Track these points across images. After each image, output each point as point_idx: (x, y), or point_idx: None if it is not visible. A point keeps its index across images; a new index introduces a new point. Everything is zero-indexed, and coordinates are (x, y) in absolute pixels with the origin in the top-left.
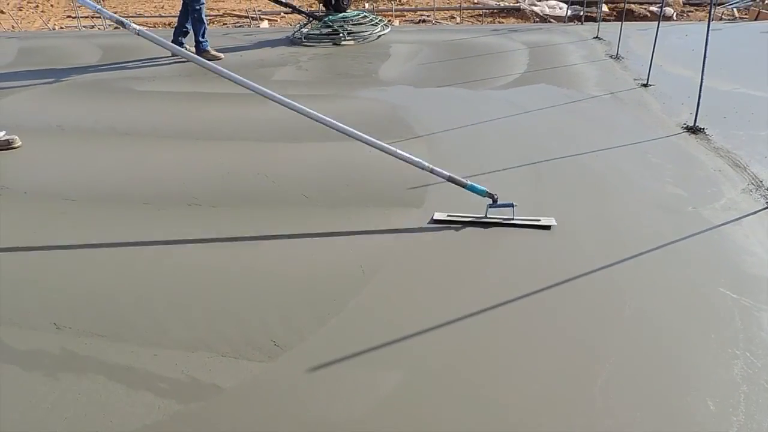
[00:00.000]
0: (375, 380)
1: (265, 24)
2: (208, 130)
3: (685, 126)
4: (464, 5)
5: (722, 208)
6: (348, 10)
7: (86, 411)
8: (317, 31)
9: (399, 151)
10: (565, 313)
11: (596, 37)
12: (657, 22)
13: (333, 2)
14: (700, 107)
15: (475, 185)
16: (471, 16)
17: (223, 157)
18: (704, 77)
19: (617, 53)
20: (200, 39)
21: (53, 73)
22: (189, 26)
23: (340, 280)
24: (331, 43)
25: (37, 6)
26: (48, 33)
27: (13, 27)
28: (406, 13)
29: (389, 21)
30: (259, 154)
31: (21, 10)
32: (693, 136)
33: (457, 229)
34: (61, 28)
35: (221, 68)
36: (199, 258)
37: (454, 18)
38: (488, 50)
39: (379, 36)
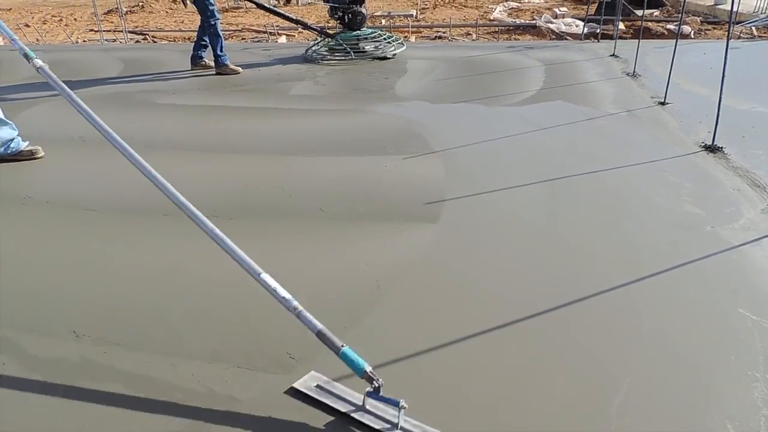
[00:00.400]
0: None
1: (282, 39)
2: (226, 143)
3: (703, 144)
4: (480, 22)
5: (741, 228)
6: (363, 28)
7: (104, 419)
8: (328, 49)
9: (264, 276)
10: (581, 331)
11: (613, 55)
12: (675, 40)
13: (346, 20)
14: (718, 126)
15: (351, 356)
16: (487, 33)
17: (240, 169)
18: (722, 96)
19: (634, 71)
20: (218, 53)
21: (76, 85)
22: (207, 40)
23: (355, 293)
24: (344, 60)
25: (61, 20)
26: (71, 46)
27: (37, 40)
28: (422, 30)
29: (405, 37)
30: (277, 167)
31: (45, 23)
32: (711, 154)
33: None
34: (84, 41)
35: (88, 112)
36: (216, 269)
37: (469, 35)
38: (504, 67)
39: (394, 54)
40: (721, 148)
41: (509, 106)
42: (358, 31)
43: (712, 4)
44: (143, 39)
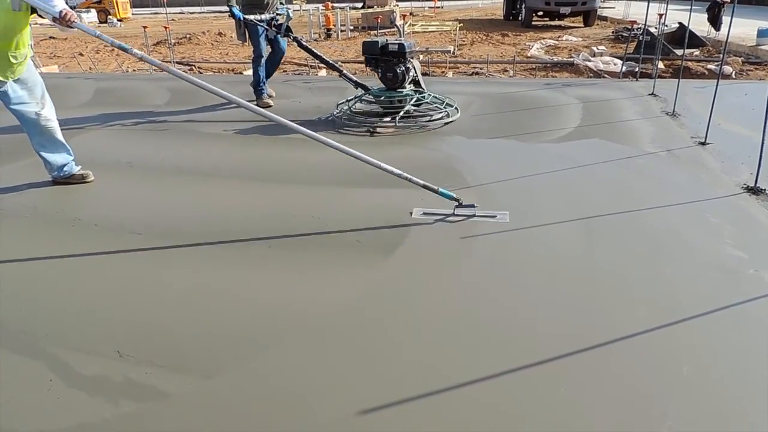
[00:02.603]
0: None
1: (322, 72)
2: (266, 172)
3: (745, 186)
4: (517, 59)
5: None
6: (402, 89)
7: None
8: (360, 110)
9: (383, 165)
10: (620, 371)
11: (652, 94)
12: (716, 80)
13: (380, 76)
14: (761, 167)
15: (446, 193)
16: (524, 70)
17: (280, 198)
18: (765, 137)
19: (674, 110)
20: (256, 86)
21: (125, 112)
22: (269, 64)
23: (393, 326)
24: (369, 131)
25: (113, 50)
26: (122, 75)
27: (90, 68)
28: (459, 65)
29: (442, 73)
30: (314, 197)
31: (98, 53)
32: (754, 196)
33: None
34: (134, 71)
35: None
36: (255, 296)
37: (506, 71)
38: (541, 103)
39: (446, 123)
40: (764, 190)
41: (546, 143)
42: (397, 92)
43: (754, 44)
44: (190, 69)
